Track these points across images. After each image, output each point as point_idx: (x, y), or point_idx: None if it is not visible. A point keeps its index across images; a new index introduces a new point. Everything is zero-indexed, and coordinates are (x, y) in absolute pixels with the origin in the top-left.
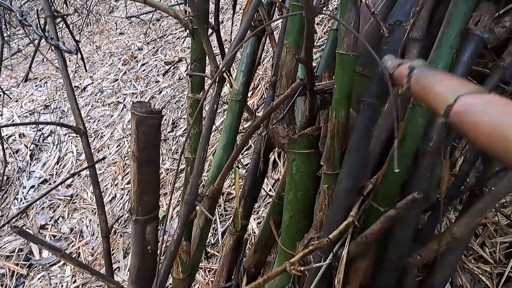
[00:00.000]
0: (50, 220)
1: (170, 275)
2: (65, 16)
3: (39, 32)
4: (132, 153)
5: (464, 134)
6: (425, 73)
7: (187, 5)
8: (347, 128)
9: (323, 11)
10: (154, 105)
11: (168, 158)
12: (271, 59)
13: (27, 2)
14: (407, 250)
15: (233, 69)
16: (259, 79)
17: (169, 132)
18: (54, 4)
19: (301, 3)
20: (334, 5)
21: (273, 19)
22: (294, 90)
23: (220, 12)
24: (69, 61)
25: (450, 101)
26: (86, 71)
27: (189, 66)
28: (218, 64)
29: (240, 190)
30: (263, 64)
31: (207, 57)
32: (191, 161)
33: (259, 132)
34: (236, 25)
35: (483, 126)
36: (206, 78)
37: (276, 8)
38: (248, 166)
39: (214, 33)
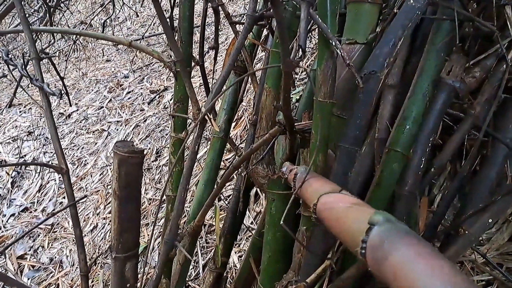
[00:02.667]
0: (30, 250)
1: None
2: (51, 57)
3: (24, 73)
4: (114, 191)
5: (325, 226)
6: (302, 178)
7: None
8: (326, 171)
9: (301, 65)
10: (138, 141)
11: (151, 187)
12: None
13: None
14: None
15: (216, 103)
16: (243, 110)
17: (152, 161)
18: (40, 38)
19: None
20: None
21: (255, 68)
22: (273, 135)
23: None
24: (55, 87)
25: (314, 201)
26: (70, 105)
27: (172, 107)
28: (200, 105)
29: (220, 227)
30: (247, 95)
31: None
32: (172, 199)
33: (239, 172)
34: (221, 55)
35: (332, 221)
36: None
37: (259, 47)
38: (229, 198)
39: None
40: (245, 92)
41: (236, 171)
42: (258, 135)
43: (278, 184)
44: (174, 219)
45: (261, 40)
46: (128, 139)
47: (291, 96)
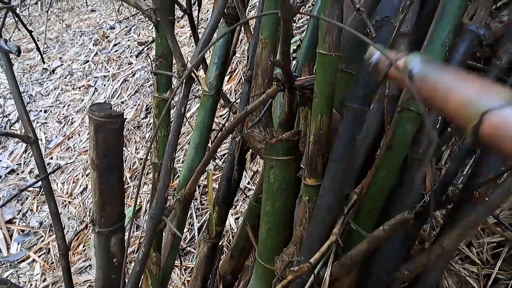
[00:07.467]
0: (18, 214)
1: None
2: (14, 7)
3: None
4: (92, 160)
5: (498, 150)
6: (433, 73)
7: None
8: (330, 134)
9: (302, 10)
10: (126, 97)
11: (142, 146)
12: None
13: None
14: (394, 262)
15: (207, 56)
16: (237, 62)
17: (142, 119)
18: None
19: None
20: None
21: (248, 16)
22: (270, 96)
23: None
24: (38, 40)
25: (476, 116)
26: (43, 62)
27: (154, 63)
28: (186, 60)
29: (214, 195)
30: (241, 46)
31: None
32: (158, 167)
33: (232, 137)
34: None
35: None
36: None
37: None
38: (225, 157)
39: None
40: (239, 42)
41: (230, 135)
42: (253, 94)
43: (277, 149)
44: (161, 191)
45: None
46: (116, 95)
47: None
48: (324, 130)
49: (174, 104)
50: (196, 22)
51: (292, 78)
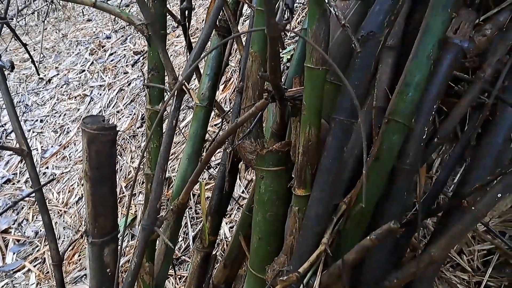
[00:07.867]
0: (14, 223)
1: None
2: (9, 20)
3: None
4: (85, 172)
5: None
6: None
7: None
8: (319, 145)
9: (288, 28)
10: (122, 106)
11: (137, 155)
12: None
13: None
14: (383, 271)
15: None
16: (231, 72)
17: (138, 128)
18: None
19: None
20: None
21: (239, 30)
22: (259, 109)
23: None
24: (34, 50)
25: None
26: (38, 75)
27: (146, 76)
28: (181, 71)
29: (207, 205)
30: (236, 55)
31: None
32: (151, 177)
33: (224, 148)
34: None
35: None
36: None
37: (245, 4)
38: (219, 167)
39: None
40: (234, 51)
41: (221, 147)
42: (244, 106)
43: (267, 160)
44: (152, 202)
45: None
46: (112, 104)
47: (281, 55)
48: (312, 141)
49: (168, 115)
50: (187, 40)
51: (281, 90)
